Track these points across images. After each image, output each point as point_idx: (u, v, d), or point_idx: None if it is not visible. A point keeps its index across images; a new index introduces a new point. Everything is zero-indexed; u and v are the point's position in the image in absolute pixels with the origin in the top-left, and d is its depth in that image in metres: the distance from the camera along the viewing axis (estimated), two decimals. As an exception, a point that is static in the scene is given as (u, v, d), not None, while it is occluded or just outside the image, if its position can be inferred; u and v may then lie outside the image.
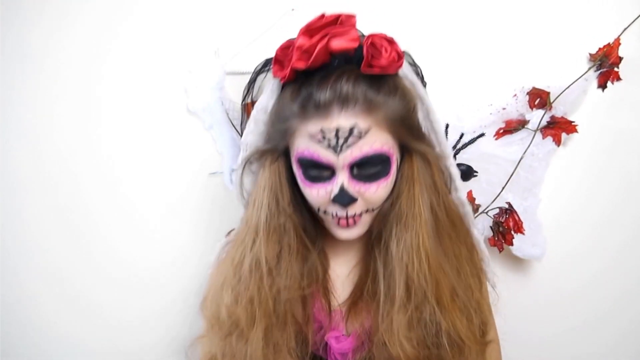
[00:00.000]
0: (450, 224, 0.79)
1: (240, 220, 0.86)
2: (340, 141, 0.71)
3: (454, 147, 1.04)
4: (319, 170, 0.74)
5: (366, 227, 0.79)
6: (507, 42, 1.05)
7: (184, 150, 1.08)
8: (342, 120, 0.70)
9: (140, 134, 1.08)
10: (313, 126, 0.71)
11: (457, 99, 1.03)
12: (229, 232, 0.93)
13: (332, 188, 0.73)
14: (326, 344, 0.83)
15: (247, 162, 0.83)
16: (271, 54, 0.86)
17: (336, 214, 0.76)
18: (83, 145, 1.07)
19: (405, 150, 0.77)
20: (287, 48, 0.74)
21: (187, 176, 1.09)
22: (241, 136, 1.03)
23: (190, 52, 1.07)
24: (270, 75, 0.83)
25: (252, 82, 0.98)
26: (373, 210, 0.78)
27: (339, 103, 0.70)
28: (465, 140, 1.04)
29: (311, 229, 0.83)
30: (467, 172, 1.03)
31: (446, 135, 1.00)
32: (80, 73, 1.07)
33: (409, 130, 0.76)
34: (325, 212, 0.77)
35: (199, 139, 1.08)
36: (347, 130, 0.70)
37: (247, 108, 1.05)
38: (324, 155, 0.72)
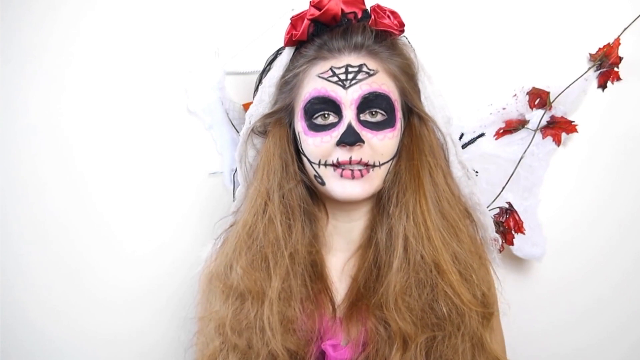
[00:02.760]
0: (449, 191, 0.81)
1: (238, 194, 0.88)
2: (350, 76, 0.75)
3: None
4: (324, 117, 0.76)
5: (372, 189, 0.78)
6: (507, 42, 1.05)
7: (184, 150, 1.08)
8: (352, 59, 0.76)
9: (141, 134, 1.08)
10: (323, 67, 0.77)
11: (457, 99, 1.03)
12: (219, 236, 0.90)
13: (337, 132, 0.75)
14: (322, 352, 0.80)
15: (251, 132, 0.85)
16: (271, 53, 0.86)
17: (339, 161, 0.75)
18: (83, 145, 1.07)
19: (406, 117, 0.81)
20: (300, 16, 0.79)
21: (187, 176, 1.09)
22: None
23: (190, 52, 1.06)
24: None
25: (264, 71, 0.93)
26: (380, 165, 0.77)
27: (349, 48, 0.77)
28: (465, 140, 1.04)
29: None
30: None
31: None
32: (80, 73, 1.06)
33: (412, 89, 0.80)
34: (326, 164, 0.76)
35: (199, 139, 1.08)
36: (357, 67, 0.75)
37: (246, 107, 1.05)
38: (332, 90, 0.75)
